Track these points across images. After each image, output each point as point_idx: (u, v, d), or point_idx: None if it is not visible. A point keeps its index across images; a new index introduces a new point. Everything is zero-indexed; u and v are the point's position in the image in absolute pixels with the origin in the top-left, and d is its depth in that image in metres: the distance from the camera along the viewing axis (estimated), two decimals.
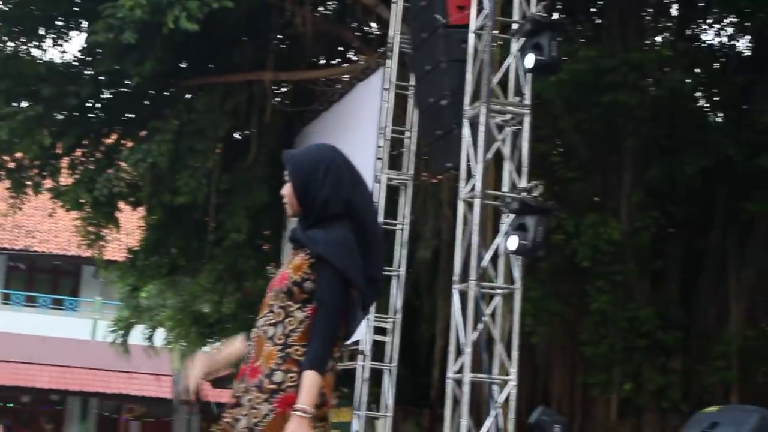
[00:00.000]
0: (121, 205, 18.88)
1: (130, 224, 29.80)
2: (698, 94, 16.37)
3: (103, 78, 16.87)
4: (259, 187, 17.85)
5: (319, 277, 4.10)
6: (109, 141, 18.47)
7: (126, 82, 16.62)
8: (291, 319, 4.12)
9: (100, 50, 16.21)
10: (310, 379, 3.99)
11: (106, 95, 17.73)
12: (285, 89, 18.57)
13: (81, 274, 37.65)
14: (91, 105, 17.62)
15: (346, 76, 17.33)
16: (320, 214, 4.15)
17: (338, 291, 4.07)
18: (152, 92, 17.67)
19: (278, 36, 17.88)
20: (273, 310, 4.17)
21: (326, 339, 4.06)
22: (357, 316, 4.21)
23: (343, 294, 4.08)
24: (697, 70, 16.30)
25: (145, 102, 17.80)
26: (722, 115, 16.45)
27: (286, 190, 4.26)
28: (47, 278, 38.50)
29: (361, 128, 15.06)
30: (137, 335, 29.69)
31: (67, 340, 34.60)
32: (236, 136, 18.88)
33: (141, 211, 20.49)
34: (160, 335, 27.81)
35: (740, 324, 15.51)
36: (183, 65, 17.79)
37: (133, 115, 17.91)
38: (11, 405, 34.98)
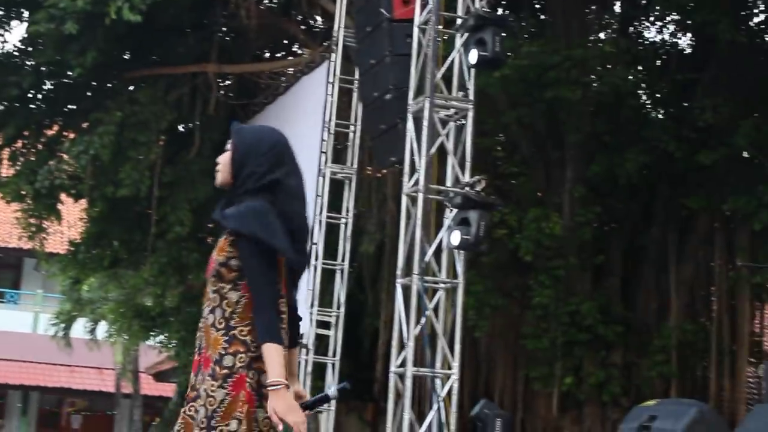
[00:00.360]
0: (63, 197, 18.70)
1: (72, 216, 29.52)
2: (640, 91, 16.50)
3: (44, 69, 16.69)
4: (203, 180, 17.74)
5: (239, 251, 4.13)
6: (50, 132, 18.28)
7: (68, 73, 16.44)
8: (227, 301, 4.15)
9: (42, 41, 16.03)
10: (270, 353, 4.02)
11: (48, 86, 17.54)
12: (229, 82, 18.49)
13: (22, 267, 37.28)
14: (32, 96, 17.43)
15: (290, 69, 17.30)
16: (248, 187, 4.19)
17: (259, 258, 4.08)
18: (95, 84, 17.50)
19: (222, 28, 17.80)
20: (209, 297, 4.21)
21: (268, 309, 4.08)
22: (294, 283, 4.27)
23: (266, 260, 4.09)
24: (639, 67, 16.43)
25: (88, 93, 17.62)
26: (663, 111, 16.61)
27: (223, 158, 4.31)
28: None
29: (305, 122, 15.02)
30: (79, 328, 29.48)
31: (8, 333, 34.23)
32: (180, 128, 18.76)
33: (83, 203, 20.30)
34: (103, 328, 27.64)
35: (680, 318, 15.68)
36: (126, 56, 17.66)
37: (75, 107, 17.73)
38: None
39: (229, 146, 4.31)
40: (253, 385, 4.08)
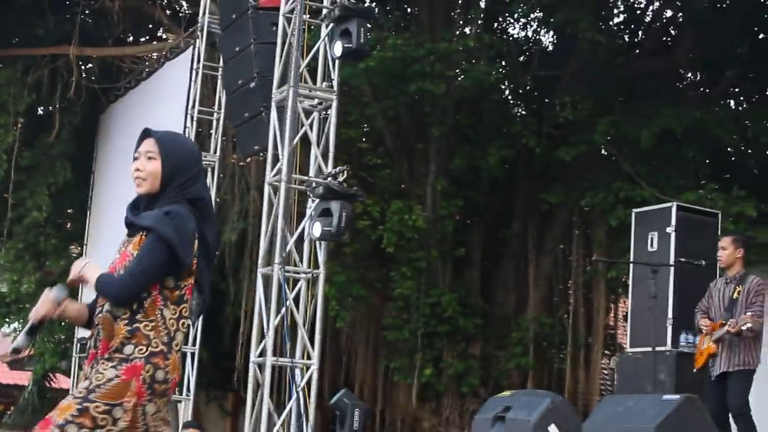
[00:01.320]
0: None
1: None
2: (503, 86, 16.73)
3: None
4: (63, 164, 17.42)
5: (144, 242, 4.17)
6: None
7: None
8: None
9: None
10: (95, 274, 4.17)
11: None
12: (91, 65, 18.12)
13: None
14: None
15: (154, 54, 17.06)
16: (173, 198, 4.22)
17: (158, 250, 4.11)
18: None
19: (85, 11, 17.43)
20: None
21: (135, 275, 4.11)
22: (193, 295, 4.26)
23: (160, 261, 4.12)
24: (503, 63, 16.64)
25: None
26: (525, 107, 16.87)
27: (150, 166, 4.27)
28: None
29: (168, 107, 14.84)
30: None
31: None
32: (39, 111, 18.33)
33: None
34: None
35: (537, 311, 15.96)
36: None
37: None
38: None
39: (151, 153, 4.27)
40: (146, 379, 4.08)
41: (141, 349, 4.11)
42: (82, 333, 17.42)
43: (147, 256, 4.13)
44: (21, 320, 20.91)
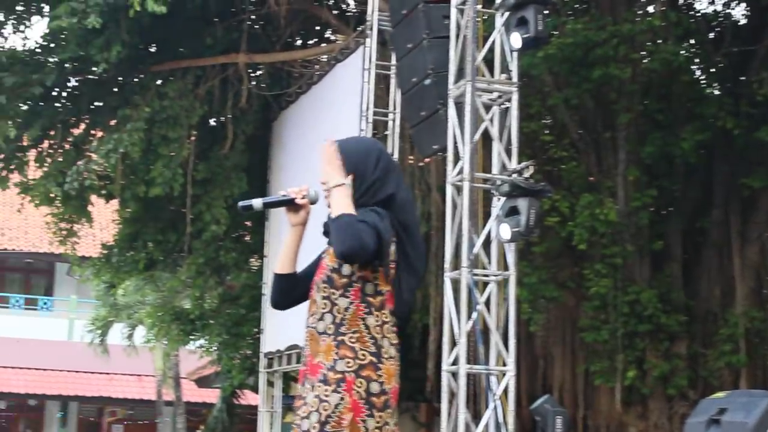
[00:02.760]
0: (94, 198, 18.75)
1: (104, 218, 29.69)
2: (693, 66, 16.32)
3: (68, 65, 16.71)
4: (238, 175, 17.77)
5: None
6: (77, 131, 18.30)
7: (93, 69, 16.46)
8: (337, 308, 4.19)
9: (64, 36, 16.05)
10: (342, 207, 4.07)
11: (73, 83, 17.56)
12: (260, 72, 18.44)
13: (54, 272, 37.58)
14: (56, 94, 17.46)
15: (324, 56, 17.21)
16: (364, 201, 4.20)
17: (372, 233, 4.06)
18: (121, 79, 17.52)
19: (251, 16, 17.75)
20: (318, 304, 4.26)
21: (371, 227, 4.05)
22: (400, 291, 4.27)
23: (375, 240, 4.07)
24: (692, 41, 16.24)
25: (114, 89, 17.63)
26: (719, 87, 16.41)
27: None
28: (19, 277, 38.46)
29: (341, 111, 14.96)
30: (116, 334, 29.65)
31: (43, 342, 34.52)
32: (211, 122, 18.75)
33: (114, 204, 20.36)
34: (140, 334, 27.76)
35: (746, 304, 15.49)
36: (152, 50, 17.67)
37: (102, 104, 17.73)
38: None
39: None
40: (361, 394, 4.12)
41: (348, 363, 4.12)
42: (268, 348, 17.74)
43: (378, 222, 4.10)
44: (206, 337, 21.43)
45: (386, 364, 4.19)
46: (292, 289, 4.44)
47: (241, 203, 4.47)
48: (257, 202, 4.41)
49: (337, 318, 4.18)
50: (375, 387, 4.12)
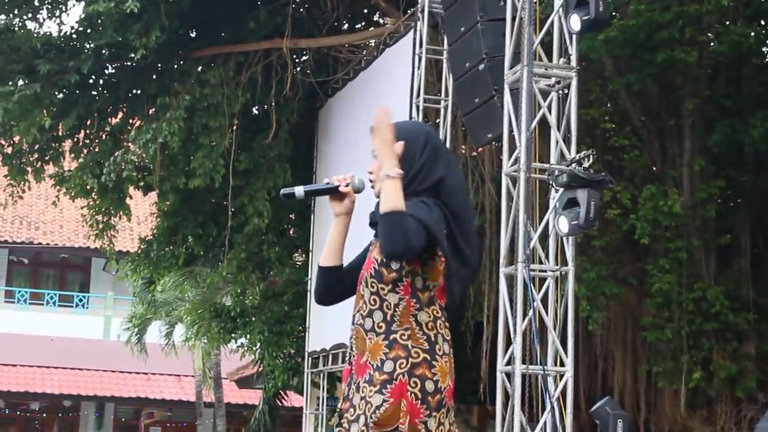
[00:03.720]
0: (132, 190, 18.91)
1: (142, 211, 29.98)
2: (764, 49, 16.21)
3: (105, 51, 16.86)
4: (282, 166, 17.82)
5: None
6: (114, 120, 18.46)
7: (131, 55, 16.59)
8: (387, 304, 4.20)
9: (101, 21, 16.18)
10: (394, 202, 4.04)
11: (110, 70, 17.73)
12: (306, 58, 18.50)
13: (90, 268, 37.93)
14: (93, 81, 17.62)
15: (372, 41, 17.26)
16: (411, 187, 4.20)
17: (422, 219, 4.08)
18: (160, 66, 17.65)
19: (296, 0, 17.81)
20: (365, 300, 4.26)
21: (423, 222, 4.07)
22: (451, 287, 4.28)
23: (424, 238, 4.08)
24: (762, 22, 16.14)
25: (153, 76, 17.76)
26: None
27: (376, 163, 4.29)
28: (53, 273, 38.81)
29: (391, 98, 14.99)
30: (154, 333, 29.88)
31: (78, 341, 34.87)
32: (254, 111, 18.83)
33: (153, 196, 20.51)
34: (179, 332, 27.94)
35: None
36: (192, 35, 17.76)
37: (140, 92, 17.87)
38: (20, 413, 35.28)
39: (375, 152, 4.30)
40: (416, 394, 4.11)
41: (401, 363, 4.12)
42: (313, 347, 17.82)
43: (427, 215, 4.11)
44: (247, 336, 21.54)
45: (440, 361, 4.18)
46: (338, 284, 4.45)
47: (283, 190, 4.51)
48: (299, 190, 4.44)
49: (387, 315, 4.18)
50: (430, 386, 4.13)
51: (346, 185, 4.40)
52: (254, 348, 21.73)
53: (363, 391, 4.15)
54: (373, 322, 4.20)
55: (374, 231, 4.31)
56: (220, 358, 30.05)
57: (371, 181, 4.32)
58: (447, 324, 4.28)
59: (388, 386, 4.09)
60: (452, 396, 4.25)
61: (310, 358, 18.24)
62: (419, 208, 4.11)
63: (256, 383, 26.34)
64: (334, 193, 4.42)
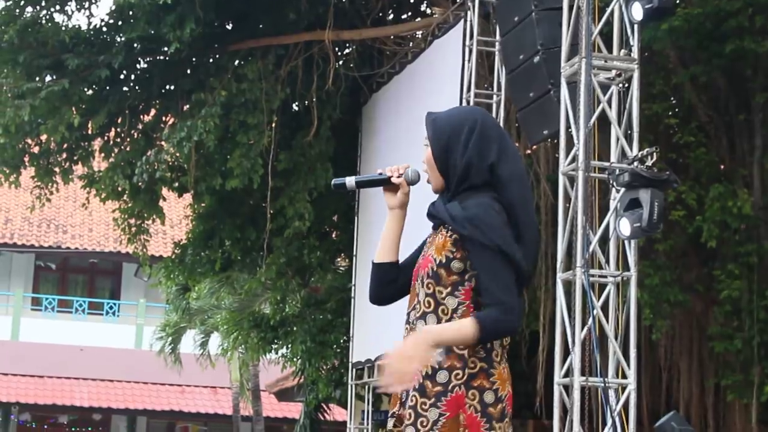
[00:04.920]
0: (165, 192, 19.01)
1: (176, 214, 30.12)
2: None
3: (137, 45, 16.96)
4: (324, 165, 17.84)
5: (473, 261, 4.11)
6: (147, 118, 18.57)
7: (164, 49, 16.69)
8: (443, 308, 4.16)
9: (133, 13, 16.29)
10: (461, 324, 4.04)
11: (142, 65, 17.81)
12: (349, 51, 18.53)
13: (121, 274, 38.13)
14: (124, 77, 17.72)
15: (419, 32, 17.27)
16: (460, 183, 4.19)
17: (501, 270, 4.06)
18: (194, 60, 17.73)
19: None
20: (420, 300, 4.22)
21: (508, 306, 4.05)
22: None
23: (507, 269, 4.07)
24: None
25: (187, 71, 17.84)
26: None
27: (427, 158, 4.30)
28: (82, 279, 39.07)
29: (440, 92, 15.01)
30: (189, 342, 30.00)
31: (108, 350, 35.09)
32: (294, 107, 18.88)
33: (187, 198, 20.61)
34: (216, 341, 28.05)
35: None
36: (229, 27, 17.84)
37: (174, 87, 17.96)
38: (47, 427, 35.56)
39: (425, 140, 4.29)
40: (476, 407, 4.10)
41: (458, 374, 4.09)
42: (357, 358, 17.85)
43: (497, 277, 4.07)
44: (288, 346, 21.59)
45: (498, 368, 4.16)
46: (393, 281, 4.42)
47: (334, 180, 4.52)
48: (350, 180, 4.46)
49: (443, 320, 4.13)
50: (489, 396, 4.10)
51: (399, 176, 4.39)
52: (295, 359, 21.77)
53: (413, 400, 4.13)
54: (426, 325, 4.16)
55: (433, 224, 4.30)
56: (259, 369, 30.16)
57: (426, 172, 4.31)
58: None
59: (443, 398, 4.07)
60: (512, 403, 4.22)
61: (354, 370, 18.27)
62: (497, 227, 4.09)
63: (297, 396, 26.41)
64: (387, 184, 4.41)
